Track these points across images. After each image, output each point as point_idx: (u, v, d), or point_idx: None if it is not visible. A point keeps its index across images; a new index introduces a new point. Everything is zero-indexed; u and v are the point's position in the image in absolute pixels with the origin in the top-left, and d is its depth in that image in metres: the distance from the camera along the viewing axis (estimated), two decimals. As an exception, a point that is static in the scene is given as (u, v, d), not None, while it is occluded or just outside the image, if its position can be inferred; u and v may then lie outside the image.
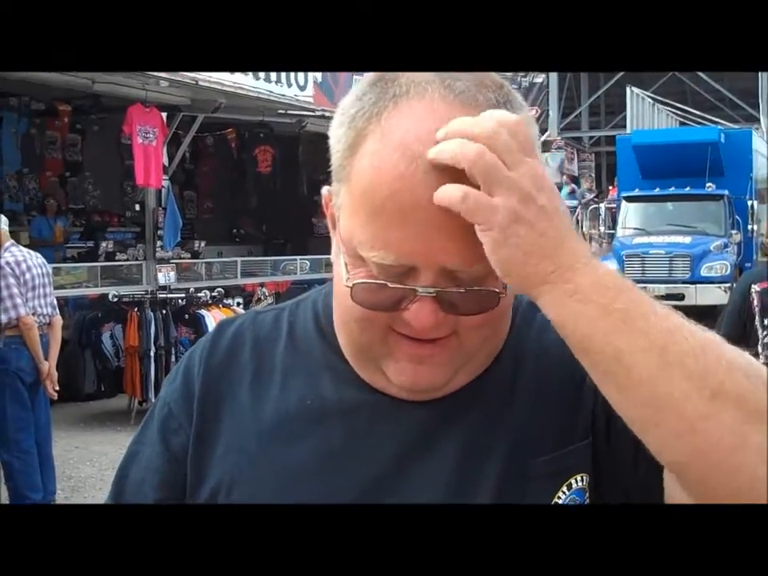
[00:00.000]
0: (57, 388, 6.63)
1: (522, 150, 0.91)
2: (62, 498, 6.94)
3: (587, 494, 1.03)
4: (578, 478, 1.03)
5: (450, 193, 0.90)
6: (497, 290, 0.97)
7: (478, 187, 0.90)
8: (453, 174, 0.91)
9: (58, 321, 6.85)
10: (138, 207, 12.42)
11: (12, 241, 6.75)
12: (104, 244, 11.68)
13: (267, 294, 12.50)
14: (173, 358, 9.77)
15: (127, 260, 11.32)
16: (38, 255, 6.82)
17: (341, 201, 1.01)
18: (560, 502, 1.02)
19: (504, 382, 1.07)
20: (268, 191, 15.58)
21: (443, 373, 1.03)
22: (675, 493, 0.94)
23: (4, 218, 6.79)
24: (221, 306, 10.55)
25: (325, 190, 1.07)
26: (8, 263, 6.40)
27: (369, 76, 1.01)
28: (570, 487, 1.03)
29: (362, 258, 0.98)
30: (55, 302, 6.91)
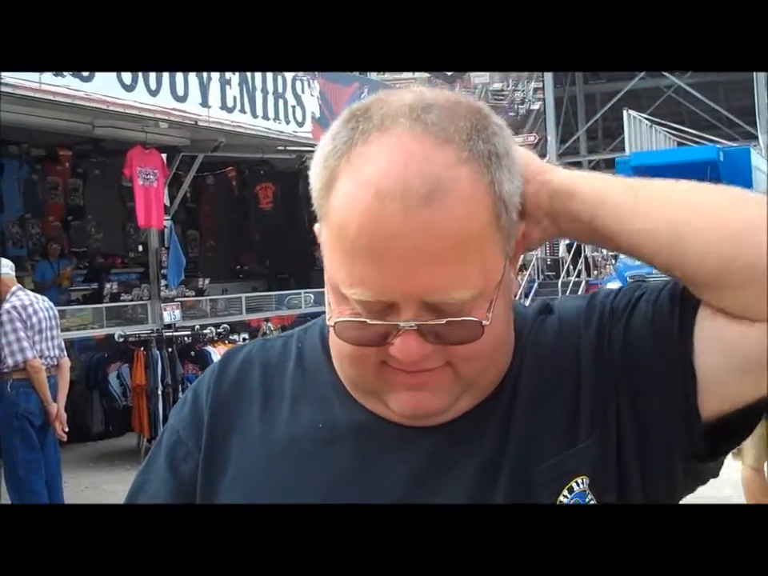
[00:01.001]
0: (66, 429, 6.67)
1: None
2: (73, 538, 6.93)
3: (588, 496, 1.03)
4: (579, 481, 1.03)
5: None
6: (478, 320, 0.98)
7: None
8: (420, 207, 0.93)
9: (66, 363, 6.92)
10: (140, 248, 12.48)
11: (19, 285, 6.84)
12: (108, 285, 11.72)
13: (273, 328, 12.53)
14: (180, 396, 9.76)
15: (132, 300, 11.37)
16: (45, 299, 6.90)
17: (322, 239, 1.02)
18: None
19: (507, 399, 1.07)
20: (270, 227, 15.63)
21: (443, 398, 1.03)
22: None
23: (10, 263, 6.88)
24: (227, 342, 10.59)
25: (316, 227, 1.06)
26: (14, 307, 6.48)
27: (343, 114, 1.01)
28: (571, 491, 1.02)
29: (345, 295, 0.99)
30: (63, 344, 6.96)
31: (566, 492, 1.03)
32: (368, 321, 0.98)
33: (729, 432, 1.05)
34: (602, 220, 1.03)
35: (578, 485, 1.03)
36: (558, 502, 1.02)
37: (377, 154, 0.95)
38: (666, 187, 1.05)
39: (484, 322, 0.98)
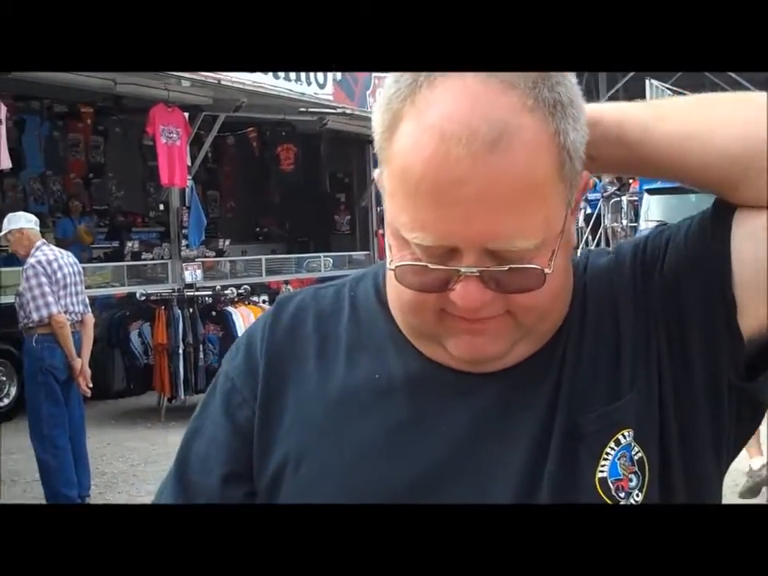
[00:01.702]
0: (90, 385, 6.71)
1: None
2: (95, 493, 7.00)
3: (634, 449, 1.04)
4: (625, 434, 1.04)
5: None
6: (540, 268, 0.98)
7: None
8: (485, 153, 0.92)
9: (90, 318, 6.94)
10: (161, 207, 12.49)
11: (43, 240, 6.85)
12: (130, 244, 11.75)
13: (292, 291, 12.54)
14: (201, 355, 9.86)
15: (153, 259, 11.37)
16: (70, 254, 6.92)
17: (384, 183, 1.02)
18: (609, 458, 1.03)
19: (562, 348, 1.08)
20: (290, 189, 15.62)
21: (501, 344, 1.03)
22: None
23: (35, 218, 6.90)
24: (247, 303, 10.59)
25: (376, 172, 1.06)
26: (39, 262, 6.49)
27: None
28: (618, 443, 1.03)
29: (406, 240, 0.98)
30: (87, 300, 6.98)
31: (612, 444, 1.04)
32: (429, 265, 0.98)
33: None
34: (627, 133, 1.06)
35: (624, 437, 1.04)
36: (605, 454, 1.03)
37: (442, 98, 0.94)
38: (680, 99, 1.12)
39: (546, 271, 0.98)
